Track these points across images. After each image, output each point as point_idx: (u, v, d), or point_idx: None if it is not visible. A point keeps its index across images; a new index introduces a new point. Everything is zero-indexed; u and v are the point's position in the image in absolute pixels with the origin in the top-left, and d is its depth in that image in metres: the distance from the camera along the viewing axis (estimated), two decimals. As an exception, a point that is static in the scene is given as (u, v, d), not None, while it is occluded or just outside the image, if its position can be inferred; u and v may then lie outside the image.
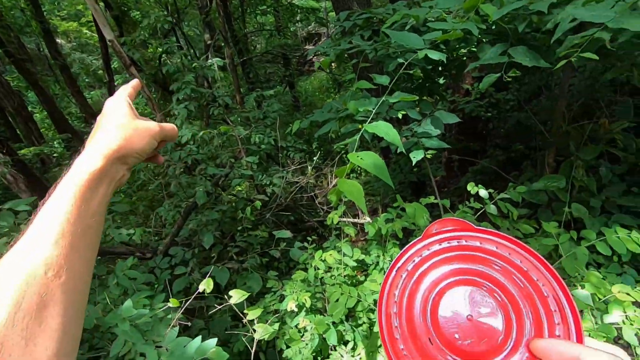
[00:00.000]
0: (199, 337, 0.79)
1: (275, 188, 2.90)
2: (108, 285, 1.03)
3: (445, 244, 0.38)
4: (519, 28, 1.29)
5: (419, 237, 0.40)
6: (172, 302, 0.97)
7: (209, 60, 3.66)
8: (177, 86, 3.02)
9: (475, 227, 0.38)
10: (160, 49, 6.70)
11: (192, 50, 6.18)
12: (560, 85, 1.75)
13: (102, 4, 6.11)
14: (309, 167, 3.62)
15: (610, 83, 2.50)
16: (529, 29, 1.35)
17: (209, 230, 2.29)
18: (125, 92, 0.53)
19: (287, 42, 10.74)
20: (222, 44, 6.19)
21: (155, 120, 0.55)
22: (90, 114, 8.71)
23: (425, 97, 2.00)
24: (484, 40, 1.46)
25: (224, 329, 1.69)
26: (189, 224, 2.41)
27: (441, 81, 2.31)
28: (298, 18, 10.23)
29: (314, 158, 3.73)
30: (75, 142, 8.13)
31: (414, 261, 0.39)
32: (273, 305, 1.75)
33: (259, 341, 1.67)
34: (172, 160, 2.99)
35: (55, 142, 9.04)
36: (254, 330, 1.02)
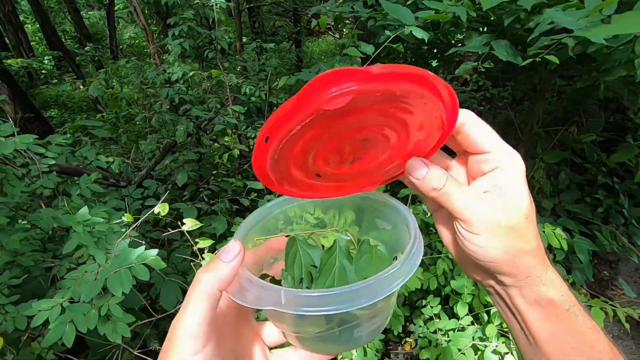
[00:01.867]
0: (143, 247, 0.88)
1: (258, 141, 2.94)
2: (71, 194, 1.10)
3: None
4: (505, 21, 1.32)
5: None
6: (127, 217, 1.06)
7: (212, 0, 3.53)
8: (175, 20, 2.94)
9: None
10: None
11: (199, -14, 5.89)
12: (540, 87, 1.80)
13: None
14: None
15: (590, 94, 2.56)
16: (516, 25, 1.38)
17: (185, 169, 2.35)
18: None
19: (301, -3, 10.29)
20: (231, -14, 5.90)
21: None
22: (85, 35, 8.34)
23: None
24: (472, 28, 1.49)
25: (182, 260, 1.80)
26: (166, 161, 2.46)
27: (434, 64, 2.32)
28: (317, -27, 9.75)
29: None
30: (66, 61, 7.84)
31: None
32: (232, 247, 1.86)
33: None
34: (159, 96, 2.98)
35: (45, 59, 8.68)
36: (203, 259, 1.12)
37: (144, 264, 0.79)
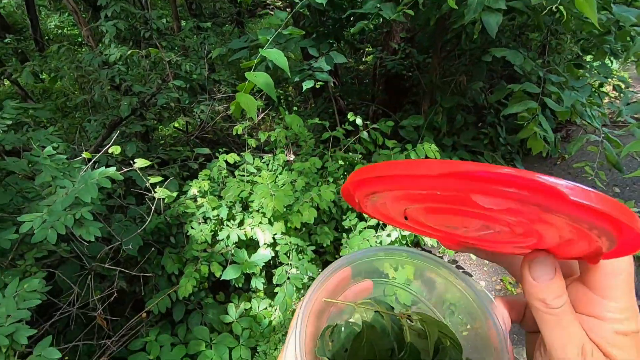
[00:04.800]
0: (102, 167, 1.12)
1: (202, 115, 3.13)
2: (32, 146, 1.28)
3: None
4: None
5: None
6: (85, 154, 1.28)
7: (143, -20, 3.57)
8: (105, 1, 2.99)
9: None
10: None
11: (127, -32, 5.72)
12: (434, 45, 2.20)
13: None
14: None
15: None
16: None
17: (133, 141, 2.51)
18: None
19: (239, -24, 10.15)
20: (162, -34, 5.80)
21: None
22: (3, 25, 7.72)
23: (331, 41, 2.34)
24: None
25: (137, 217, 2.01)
26: (113, 136, 2.59)
27: (352, 31, 2.65)
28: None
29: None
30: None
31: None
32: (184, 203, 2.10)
33: (170, 226, 2.03)
34: (99, 77, 3.04)
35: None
36: (156, 192, 1.36)
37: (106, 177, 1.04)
